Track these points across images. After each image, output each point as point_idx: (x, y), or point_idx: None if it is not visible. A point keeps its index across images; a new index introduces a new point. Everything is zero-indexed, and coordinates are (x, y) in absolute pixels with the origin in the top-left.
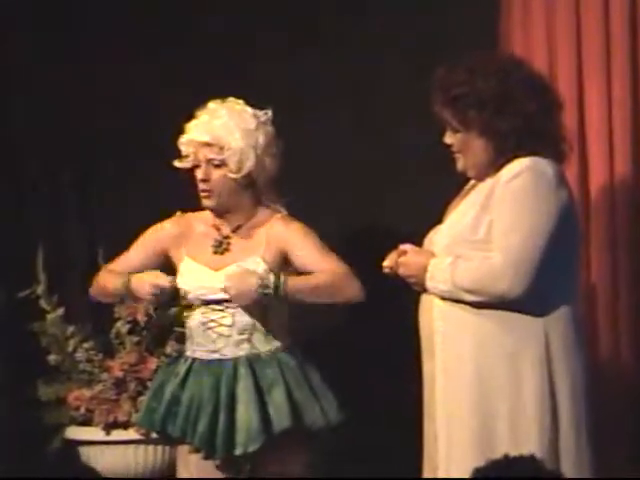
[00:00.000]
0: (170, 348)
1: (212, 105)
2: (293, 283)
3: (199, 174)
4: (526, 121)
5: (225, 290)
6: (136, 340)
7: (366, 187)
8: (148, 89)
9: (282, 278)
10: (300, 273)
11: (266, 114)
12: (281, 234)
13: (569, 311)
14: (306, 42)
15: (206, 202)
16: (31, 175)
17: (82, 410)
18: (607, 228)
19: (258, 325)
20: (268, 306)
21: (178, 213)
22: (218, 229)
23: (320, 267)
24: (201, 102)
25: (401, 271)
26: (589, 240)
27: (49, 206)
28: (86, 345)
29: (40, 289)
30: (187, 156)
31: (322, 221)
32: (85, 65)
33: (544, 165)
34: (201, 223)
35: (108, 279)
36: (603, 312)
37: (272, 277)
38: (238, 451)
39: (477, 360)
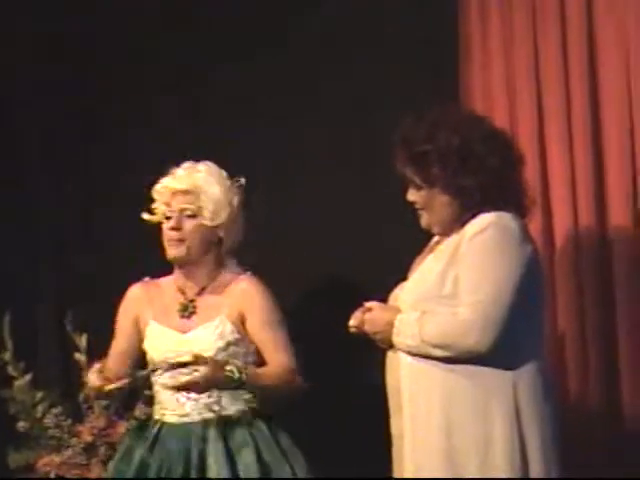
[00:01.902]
0: (139, 411)
1: (189, 163)
2: (253, 378)
3: (170, 223)
4: (489, 176)
5: (192, 380)
6: (105, 404)
7: (329, 243)
8: None
9: (244, 373)
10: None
11: (239, 181)
12: (244, 294)
13: (536, 363)
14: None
15: (173, 252)
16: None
17: (52, 476)
18: (573, 277)
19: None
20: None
21: (146, 279)
22: (183, 292)
23: (272, 355)
24: None
25: (367, 328)
26: (555, 290)
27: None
28: (55, 410)
29: (7, 355)
30: (155, 209)
31: (284, 279)
32: None
33: (508, 220)
34: (167, 287)
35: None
36: (572, 361)
37: (236, 372)
38: None
39: (446, 415)
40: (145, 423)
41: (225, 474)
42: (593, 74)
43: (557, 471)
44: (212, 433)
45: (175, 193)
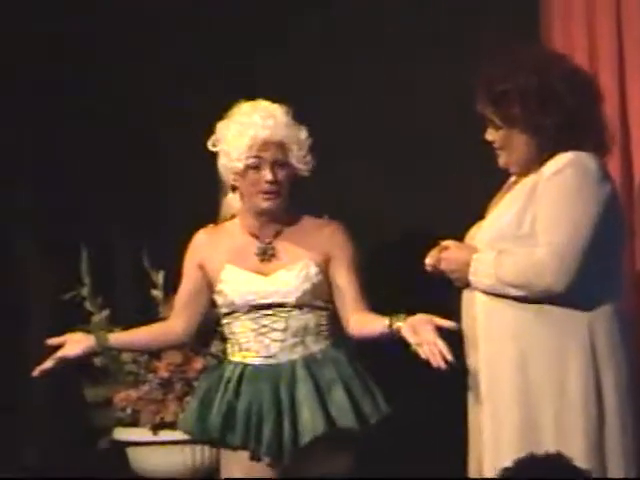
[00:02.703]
0: (215, 348)
1: (265, 104)
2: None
3: (267, 175)
4: (569, 116)
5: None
6: None
7: (399, 186)
8: None
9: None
10: (328, 282)
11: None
12: (331, 237)
13: (614, 307)
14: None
15: (269, 204)
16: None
17: (129, 411)
18: None
19: (310, 326)
20: (318, 307)
21: (211, 225)
22: (257, 237)
23: (353, 298)
24: None
25: (443, 266)
26: (634, 231)
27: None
28: None
29: (85, 291)
30: (241, 158)
31: (356, 222)
32: None
33: (587, 160)
34: (236, 232)
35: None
36: None
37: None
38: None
39: (520, 351)
40: (222, 361)
41: (317, 413)
42: None
43: (632, 412)
44: (300, 373)
45: (266, 143)
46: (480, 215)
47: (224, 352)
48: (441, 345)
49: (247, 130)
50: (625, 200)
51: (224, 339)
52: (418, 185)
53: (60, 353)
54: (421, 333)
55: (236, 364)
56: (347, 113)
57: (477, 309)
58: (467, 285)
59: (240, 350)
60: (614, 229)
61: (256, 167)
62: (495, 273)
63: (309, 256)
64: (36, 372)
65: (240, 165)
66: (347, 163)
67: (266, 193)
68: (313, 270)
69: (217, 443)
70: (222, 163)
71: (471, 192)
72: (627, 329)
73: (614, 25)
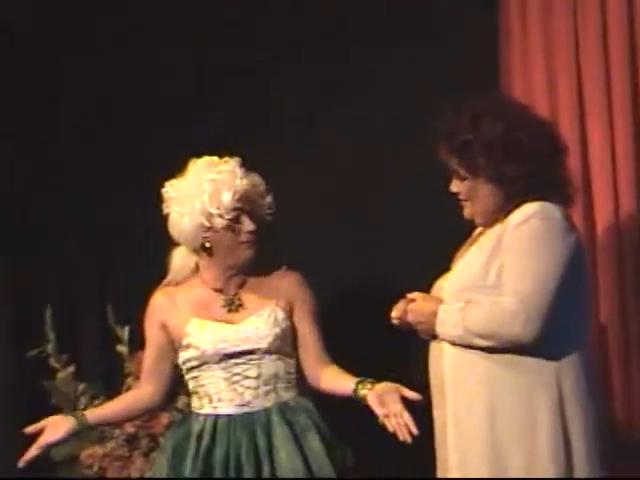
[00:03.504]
0: (181, 402)
1: (217, 159)
2: None
3: (250, 226)
4: (534, 166)
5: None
6: None
7: (364, 238)
8: None
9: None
10: (293, 330)
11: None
12: (293, 286)
13: (581, 356)
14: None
15: (251, 253)
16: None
17: (95, 468)
18: (614, 266)
19: (280, 374)
20: (286, 355)
21: (164, 286)
22: (220, 291)
23: (314, 345)
24: None
25: (410, 318)
26: (596, 279)
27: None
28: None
29: (50, 347)
30: (223, 214)
31: (320, 276)
32: None
33: (552, 210)
34: (195, 288)
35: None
36: (614, 352)
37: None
38: None
39: (490, 405)
40: (186, 419)
41: (296, 458)
42: (633, 62)
43: (600, 463)
44: (275, 419)
45: (242, 195)
46: (445, 267)
47: (189, 406)
48: (407, 418)
49: (224, 185)
50: (587, 250)
51: (188, 393)
52: (379, 238)
53: (43, 440)
54: (388, 404)
55: (206, 416)
56: (309, 167)
57: (445, 362)
58: (434, 337)
59: (211, 401)
60: (580, 279)
61: (236, 219)
62: (462, 323)
63: (275, 303)
64: (21, 463)
65: (224, 221)
66: (310, 215)
67: (248, 242)
68: (281, 315)
69: None
70: (195, 223)
71: (434, 244)
72: (593, 379)
73: (574, 73)
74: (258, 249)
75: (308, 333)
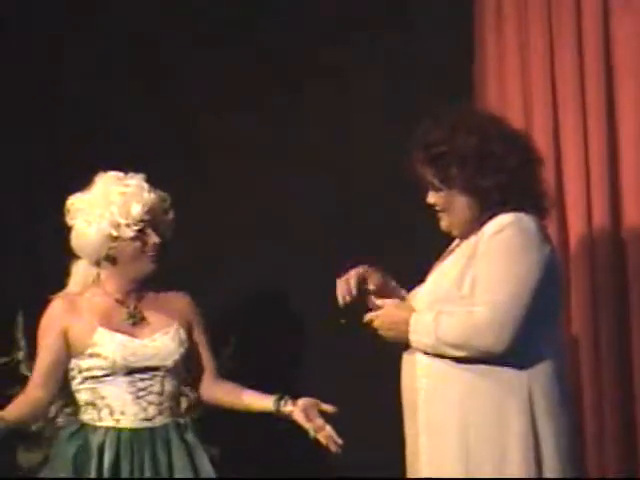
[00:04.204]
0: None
1: (122, 174)
2: None
3: (155, 238)
4: (508, 177)
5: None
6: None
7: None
8: None
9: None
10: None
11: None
12: (190, 306)
13: (553, 366)
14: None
15: (154, 266)
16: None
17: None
18: (587, 277)
19: (176, 392)
20: (181, 374)
21: (63, 293)
22: (122, 302)
23: (210, 361)
24: None
25: (378, 324)
26: (569, 290)
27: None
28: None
29: (20, 355)
30: (131, 225)
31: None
32: None
33: (527, 221)
34: (97, 298)
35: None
36: (586, 362)
37: None
38: None
39: (463, 415)
40: (80, 431)
41: (189, 474)
42: (609, 73)
43: (571, 473)
44: (173, 436)
45: (149, 208)
46: (422, 278)
47: (75, 414)
48: (329, 430)
49: (133, 197)
50: (561, 264)
51: (74, 403)
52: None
53: None
54: (312, 419)
55: (107, 429)
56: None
57: (418, 371)
58: (406, 346)
59: (112, 414)
60: (554, 290)
61: (142, 231)
62: (435, 333)
63: (177, 322)
64: None
65: (131, 232)
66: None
67: (152, 256)
68: (184, 335)
69: None
70: (102, 233)
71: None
72: (565, 387)
73: (549, 85)
74: (159, 264)
75: (205, 352)
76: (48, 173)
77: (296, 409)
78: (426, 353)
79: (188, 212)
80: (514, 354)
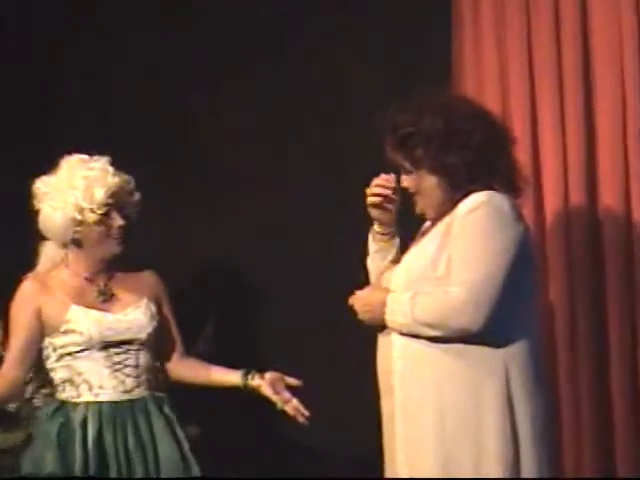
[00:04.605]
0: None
1: (88, 157)
2: None
3: (120, 221)
4: (475, 154)
5: None
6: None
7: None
8: None
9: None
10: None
11: None
12: (158, 283)
13: (528, 345)
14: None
15: (120, 248)
16: None
17: None
18: (563, 256)
19: (150, 365)
20: (153, 348)
21: (29, 275)
22: (91, 281)
23: (178, 337)
24: None
25: (357, 307)
26: (546, 269)
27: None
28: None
29: None
30: (95, 209)
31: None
32: None
33: (500, 199)
34: (66, 278)
35: None
36: (562, 338)
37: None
38: None
39: (439, 396)
40: (61, 408)
41: (174, 450)
42: (586, 54)
43: (547, 450)
44: (152, 408)
45: (114, 191)
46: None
47: (52, 394)
48: (296, 402)
49: (97, 181)
50: (537, 240)
51: (50, 381)
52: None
53: None
54: (280, 392)
55: (87, 404)
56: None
57: (394, 353)
58: (382, 327)
59: (91, 389)
60: (528, 268)
61: (106, 214)
62: (411, 313)
63: (147, 297)
64: None
65: (95, 215)
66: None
67: (117, 238)
68: (154, 309)
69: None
70: (67, 217)
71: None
72: (541, 364)
73: (526, 70)
74: (125, 245)
75: (173, 328)
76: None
77: (263, 383)
78: (402, 334)
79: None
80: (490, 333)
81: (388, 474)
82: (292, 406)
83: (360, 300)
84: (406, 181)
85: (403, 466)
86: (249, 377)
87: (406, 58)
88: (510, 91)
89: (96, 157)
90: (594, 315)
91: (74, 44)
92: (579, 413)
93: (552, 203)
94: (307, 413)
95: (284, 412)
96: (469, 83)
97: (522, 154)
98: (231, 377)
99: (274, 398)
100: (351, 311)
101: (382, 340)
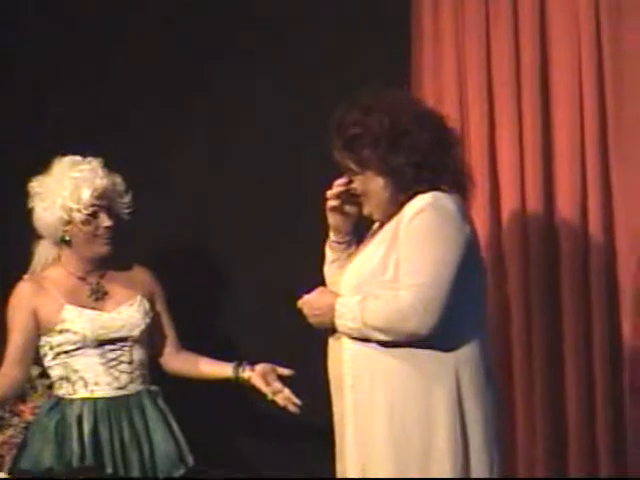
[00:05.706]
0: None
1: (81, 158)
2: None
3: (107, 222)
4: (421, 155)
5: None
6: (47, 383)
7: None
8: None
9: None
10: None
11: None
12: (152, 279)
13: (478, 348)
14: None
15: (108, 249)
16: None
17: None
18: (520, 261)
19: (144, 361)
20: (145, 344)
21: (25, 276)
22: (84, 279)
23: (172, 333)
24: None
25: (306, 310)
26: (504, 272)
27: None
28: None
29: None
30: (82, 209)
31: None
32: None
33: (446, 200)
34: (60, 277)
35: None
36: (517, 340)
37: None
38: (162, 477)
39: (389, 400)
40: (57, 404)
41: (170, 441)
42: (544, 59)
43: (497, 453)
44: (147, 403)
45: (101, 192)
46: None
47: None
48: (288, 392)
49: (84, 182)
50: (495, 244)
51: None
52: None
53: None
54: (270, 383)
55: (83, 400)
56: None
57: (344, 357)
58: (332, 330)
59: (86, 385)
60: (475, 270)
61: (94, 215)
62: (361, 317)
63: (140, 294)
64: None
65: (82, 216)
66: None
67: (105, 239)
68: (148, 306)
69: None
70: (55, 217)
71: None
72: (490, 367)
73: (484, 77)
74: (114, 244)
75: (166, 322)
76: None
77: (254, 374)
78: (352, 338)
79: None
80: (439, 337)
81: (338, 473)
82: (282, 396)
83: (309, 304)
84: (354, 183)
85: (353, 466)
86: (240, 370)
87: (363, 65)
88: (469, 98)
89: (88, 159)
90: (549, 312)
91: (74, 44)
92: (533, 409)
93: (509, 207)
94: (298, 402)
95: (274, 402)
96: (427, 89)
97: (479, 159)
98: (223, 370)
99: (265, 389)
100: (300, 314)
101: (333, 344)
